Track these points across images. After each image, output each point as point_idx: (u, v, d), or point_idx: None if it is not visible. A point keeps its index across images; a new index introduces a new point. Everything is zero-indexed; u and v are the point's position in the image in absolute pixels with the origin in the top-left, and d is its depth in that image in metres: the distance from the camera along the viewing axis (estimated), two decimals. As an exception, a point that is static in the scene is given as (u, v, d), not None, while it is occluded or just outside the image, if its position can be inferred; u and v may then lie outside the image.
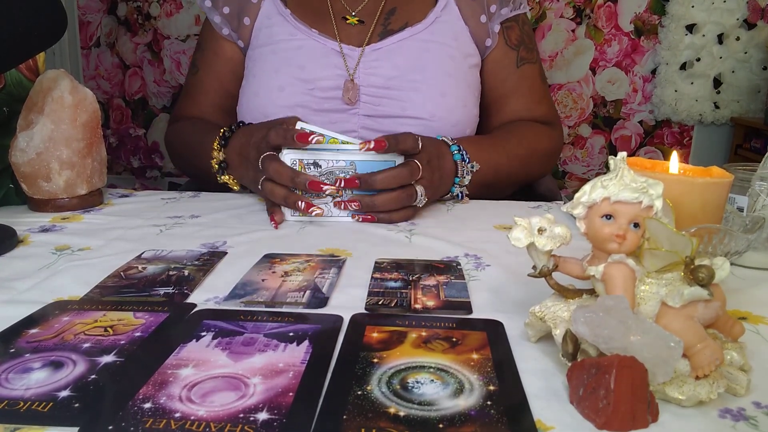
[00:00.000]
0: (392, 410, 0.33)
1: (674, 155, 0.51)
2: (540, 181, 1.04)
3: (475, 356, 0.39)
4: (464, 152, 0.78)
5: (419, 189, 0.69)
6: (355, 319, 0.44)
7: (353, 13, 0.93)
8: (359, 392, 0.34)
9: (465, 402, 0.33)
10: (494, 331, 0.42)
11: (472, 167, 0.79)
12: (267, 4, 0.94)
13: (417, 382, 0.35)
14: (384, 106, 0.88)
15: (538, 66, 0.99)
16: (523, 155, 0.90)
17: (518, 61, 0.97)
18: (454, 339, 0.41)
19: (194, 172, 0.94)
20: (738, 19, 2.43)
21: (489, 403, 0.33)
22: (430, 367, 0.37)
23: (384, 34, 0.92)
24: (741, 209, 0.59)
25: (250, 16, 0.94)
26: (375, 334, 0.41)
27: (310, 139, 0.66)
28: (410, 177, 0.68)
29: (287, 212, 0.71)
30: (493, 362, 0.38)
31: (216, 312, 0.45)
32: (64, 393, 0.34)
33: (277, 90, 0.88)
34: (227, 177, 0.79)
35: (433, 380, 0.36)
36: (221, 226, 0.69)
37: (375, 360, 0.38)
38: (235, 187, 0.80)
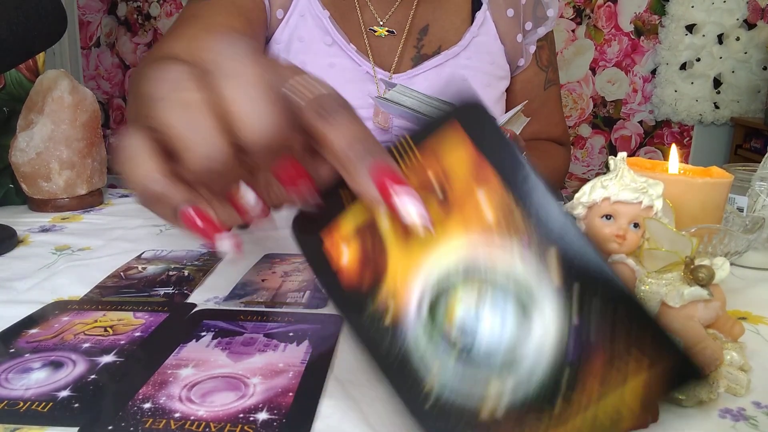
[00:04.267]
0: (392, 410, 0.33)
1: (673, 148, 0.50)
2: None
3: (475, 356, 0.38)
4: None
5: None
6: (355, 319, 0.44)
7: (381, 23, 0.86)
8: (359, 392, 0.34)
9: (465, 402, 0.33)
10: (494, 331, 0.42)
11: None
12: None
13: (417, 382, 0.35)
14: None
15: (558, 86, 0.97)
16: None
17: (546, 83, 0.93)
18: (454, 339, 0.41)
19: None
20: (738, 20, 2.43)
21: (489, 403, 0.33)
22: (430, 367, 0.37)
23: (418, 59, 0.85)
24: (741, 209, 0.59)
25: (283, 8, 0.84)
26: (375, 334, 0.41)
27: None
28: None
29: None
30: (493, 362, 0.38)
31: (216, 312, 0.45)
32: (64, 393, 0.34)
33: None
34: None
35: (433, 380, 0.36)
36: (221, 226, 0.68)
37: (375, 360, 0.38)
38: None
